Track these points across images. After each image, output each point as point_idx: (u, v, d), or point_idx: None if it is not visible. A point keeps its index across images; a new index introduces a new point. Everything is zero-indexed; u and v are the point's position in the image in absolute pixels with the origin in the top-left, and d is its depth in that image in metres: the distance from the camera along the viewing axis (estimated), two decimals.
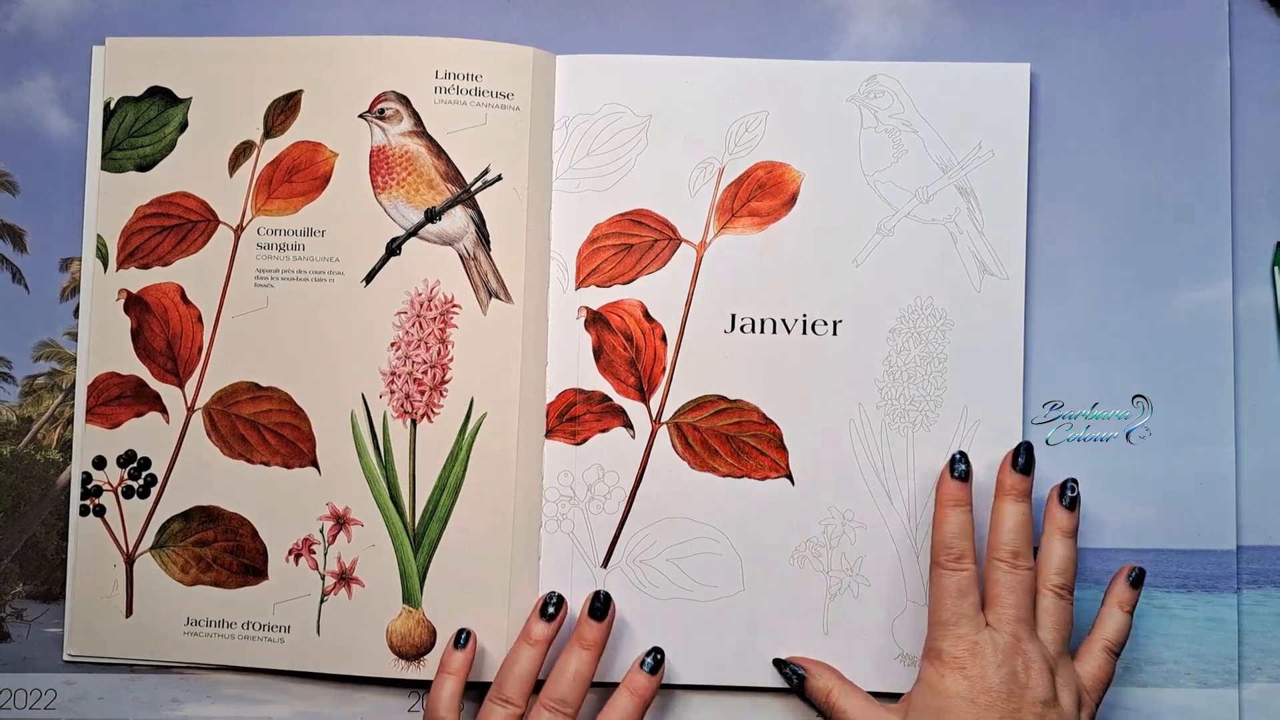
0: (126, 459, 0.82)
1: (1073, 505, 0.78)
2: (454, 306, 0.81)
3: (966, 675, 0.73)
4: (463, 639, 0.79)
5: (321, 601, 0.81)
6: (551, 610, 0.78)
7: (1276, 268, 0.82)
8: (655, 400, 0.82)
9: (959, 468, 0.78)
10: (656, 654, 0.79)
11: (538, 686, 0.78)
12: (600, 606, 0.78)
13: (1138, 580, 0.78)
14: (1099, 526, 0.81)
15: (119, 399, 0.82)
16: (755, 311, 0.81)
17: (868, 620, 0.81)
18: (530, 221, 0.81)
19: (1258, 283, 0.82)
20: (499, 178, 0.81)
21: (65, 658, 0.82)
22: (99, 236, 0.82)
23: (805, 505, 0.81)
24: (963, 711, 0.72)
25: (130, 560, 0.82)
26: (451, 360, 0.81)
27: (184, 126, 0.83)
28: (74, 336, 0.83)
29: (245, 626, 0.81)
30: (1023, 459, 0.77)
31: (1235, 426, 0.81)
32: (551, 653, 0.79)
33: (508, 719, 0.76)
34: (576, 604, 0.80)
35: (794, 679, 0.79)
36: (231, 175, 0.82)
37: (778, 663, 0.80)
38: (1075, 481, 0.79)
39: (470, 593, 0.80)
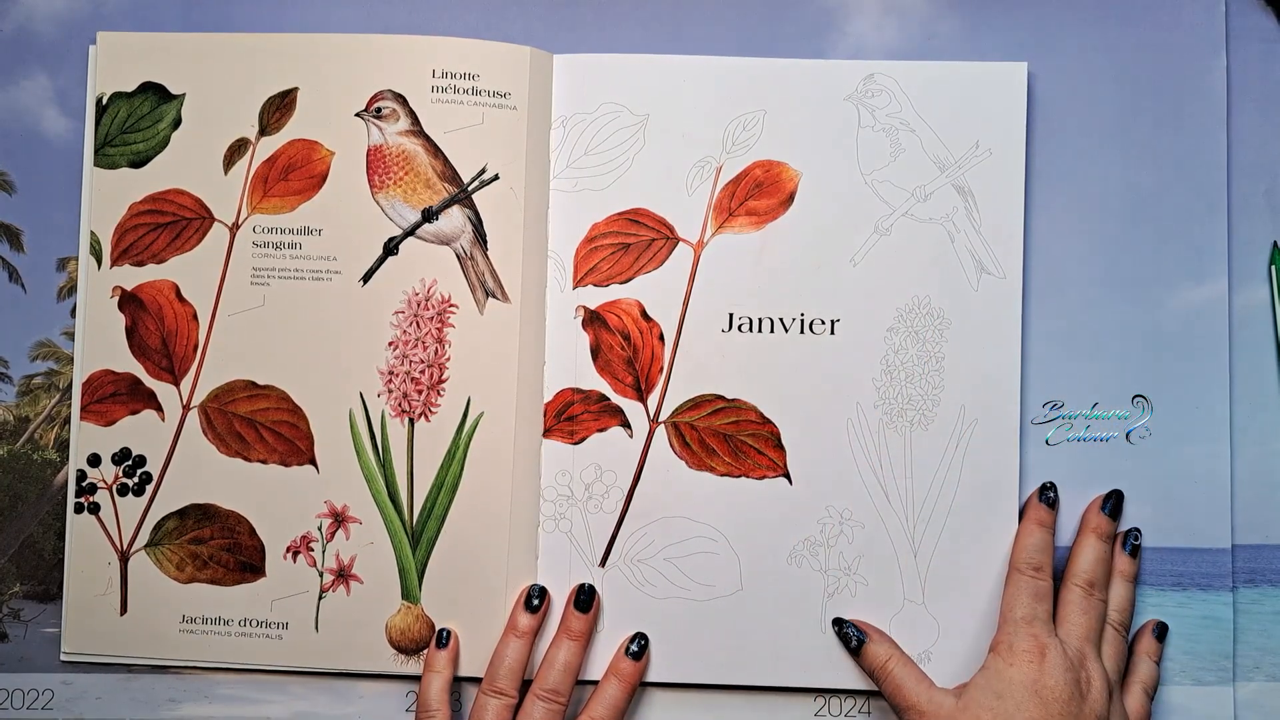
0: (121, 456, 0.82)
1: (1134, 553, 0.81)
2: (451, 306, 0.81)
3: (1034, 669, 0.75)
4: (444, 638, 0.80)
5: (320, 598, 0.81)
6: (535, 602, 0.80)
7: (1273, 267, 0.82)
8: (653, 399, 0.82)
9: (1048, 495, 0.81)
10: (640, 640, 0.80)
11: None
12: (585, 599, 0.80)
13: (1161, 634, 0.81)
14: None
15: (113, 396, 0.82)
16: (753, 310, 0.81)
17: (865, 619, 0.81)
18: (527, 221, 0.81)
19: (1255, 282, 0.82)
20: (496, 177, 0.81)
21: (62, 657, 0.82)
22: (92, 233, 0.82)
23: (803, 504, 0.81)
24: (1023, 700, 0.74)
25: (125, 558, 0.82)
26: (449, 359, 0.81)
27: (178, 123, 0.82)
28: (71, 336, 0.83)
29: (242, 623, 0.81)
30: (1111, 505, 0.81)
31: (1231, 425, 0.82)
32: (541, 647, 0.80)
33: (502, 709, 0.77)
34: None
35: (853, 641, 0.80)
36: (226, 173, 0.82)
37: (837, 621, 0.80)
38: (1139, 530, 0.82)
39: (469, 590, 0.80)
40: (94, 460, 0.82)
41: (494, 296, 0.81)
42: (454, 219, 0.81)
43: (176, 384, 0.82)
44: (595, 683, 0.80)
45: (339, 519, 0.81)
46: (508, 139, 0.81)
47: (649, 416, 0.82)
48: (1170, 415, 0.82)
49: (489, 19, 0.84)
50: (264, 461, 0.81)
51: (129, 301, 0.82)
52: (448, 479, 0.81)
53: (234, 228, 0.82)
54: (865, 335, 0.81)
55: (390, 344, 0.81)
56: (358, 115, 0.81)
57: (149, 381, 0.82)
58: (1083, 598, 0.78)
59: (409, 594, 0.81)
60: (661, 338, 0.82)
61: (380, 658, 0.81)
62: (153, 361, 0.82)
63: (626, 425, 0.82)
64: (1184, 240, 0.82)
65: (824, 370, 0.81)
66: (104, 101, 0.82)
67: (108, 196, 0.82)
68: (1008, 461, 0.81)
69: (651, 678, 0.81)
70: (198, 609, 0.82)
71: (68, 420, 0.83)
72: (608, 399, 0.82)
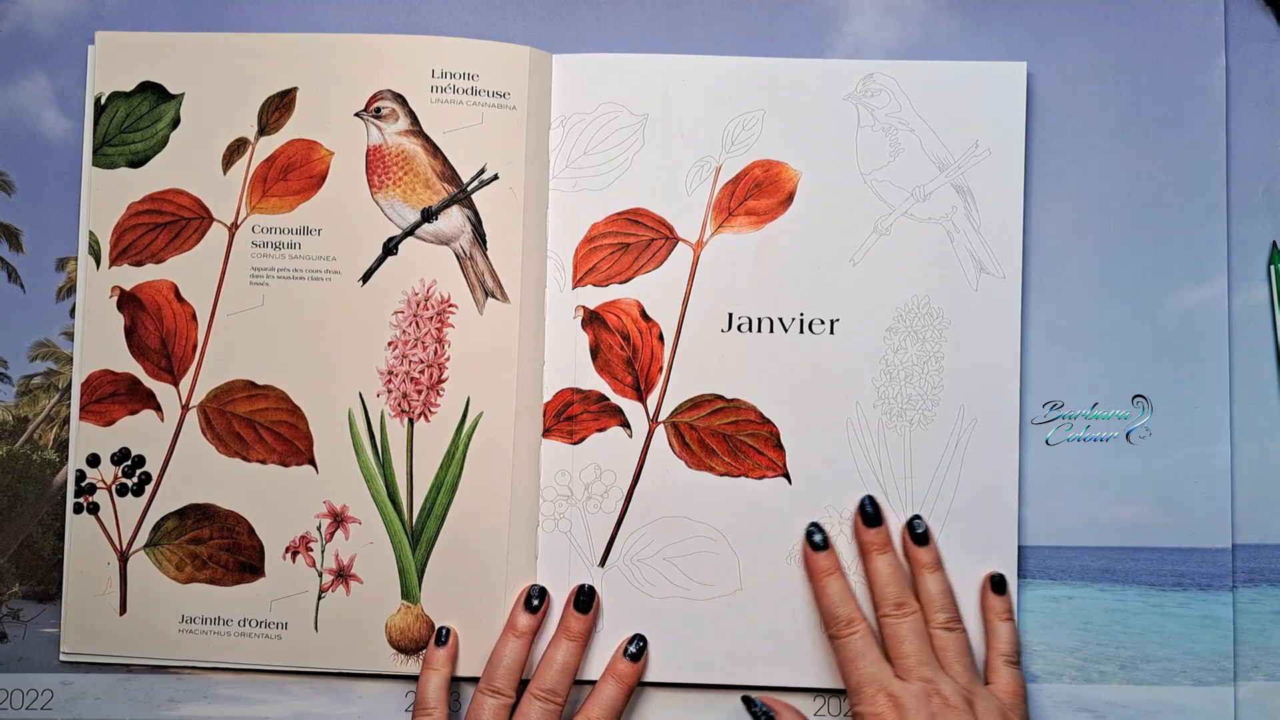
0: (120, 456, 0.82)
1: (924, 539, 0.79)
2: (450, 306, 0.80)
3: None
4: (443, 635, 0.80)
5: (319, 598, 0.81)
6: (535, 602, 0.80)
7: (1272, 267, 0.82)
8: (652, 399, 0.82)
9: (816, 538, 0.80)
10: (639, 641, 0.80)
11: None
12: (584, 600, 0.80)
13: (999, 586, 0.80)
14: (1095, 526, 0.82)
15: (112, 396, 0.82)
16: (752, 310, 0.81)
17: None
18: (527, 221, 0.81)
19: (1254, 282, 0.82)
20: (495, 177, 0.81)
21: (61, 657, 0.82)
22: (91, 233, 0.82)
23: (802, 504, 0.81)
24: None
25: (124, 558, 0.82)
26: (448, 359, 0.80)
27: (176, 123, 0.82)
28: (70, 336, 0.83)
29: (242, 624, 0.81)
30: (871, 511, 0.79)
31: (1230, 425, 0.82)
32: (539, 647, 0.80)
33: (499, 708, 0.77)
34: None
35: (762, 718, 0.79)
36: (225, 172, 0.82)
37: (746, 700, 0.80)
38: (919, 517, 0.80)
39: (468, 590, 0.80)
40: (93, 460, 0.82)
41: (493, 296, 0.81)
42: (453, 219, 0.81)
43: (175, 384, 0.82)
44: (594, 683, 0.80)
45: (338, 519, 0.81)
46: (507, 139, 0.81)
47: (648, 416, 0.82)
48: (1170, 415, 0.82)
49: (488, 19, 0.84)
50: (263, 461, 0.81)
51: (128, 301, 0.82)
52: (447, 479, 0.81)
53: (233, 227, 0.82)
54: (865, 335, 0.81)
55: (389, 344, 0.81)
56: (357, 115, 0.81)
57: (148, 381, 0.82)
58: (898, 622, 0.77)
59: (408, 594, 0.81)
60: (661, 338, 0.82)
61: (380, 658, 0.81)
62: (152, 361, 0.82)
63: (626, 425, 0.82)
64: (1183, 240, 0.82)
65: (823, 370, 0.81)
66: (102, 101, 0.82)
67: (106, 196, 0.82)
68: (1008, 461, 0.81)
69: (650, 677, 0.81)
70: (197, 609, 0.82)
71: (67, 420, 0.83)
72: (607, 399, 0.82)
